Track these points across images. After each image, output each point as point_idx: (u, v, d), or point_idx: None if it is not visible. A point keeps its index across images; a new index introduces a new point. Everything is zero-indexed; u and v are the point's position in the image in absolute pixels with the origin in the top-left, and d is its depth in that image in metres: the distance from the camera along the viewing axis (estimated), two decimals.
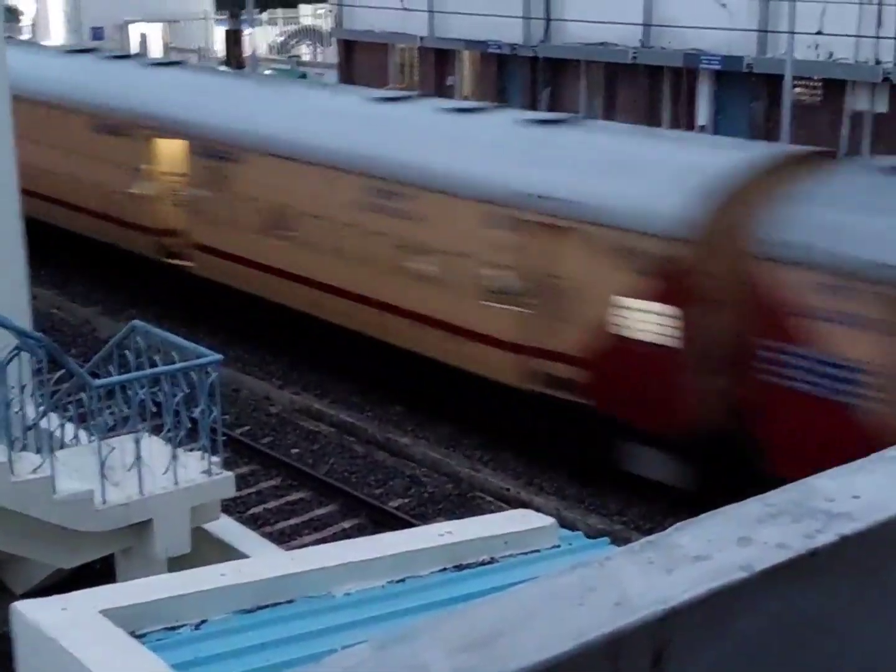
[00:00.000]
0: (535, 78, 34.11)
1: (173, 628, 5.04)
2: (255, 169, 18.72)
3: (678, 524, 1.38)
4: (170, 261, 20.78)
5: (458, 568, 6.13)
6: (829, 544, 1.32)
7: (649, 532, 14.39)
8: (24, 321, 9.74)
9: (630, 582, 1.22)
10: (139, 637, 4.85)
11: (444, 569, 6.09)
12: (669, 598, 1.19)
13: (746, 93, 29.29)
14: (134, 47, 46.77)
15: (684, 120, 30.52)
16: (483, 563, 6.22)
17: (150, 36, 48.49)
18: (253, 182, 18.78)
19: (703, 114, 30.42)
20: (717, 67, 29.37)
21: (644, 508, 14.73)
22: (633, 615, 1.16)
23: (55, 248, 23.12)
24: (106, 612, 4.80)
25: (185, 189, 20.23)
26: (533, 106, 32.23)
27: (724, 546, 1.30)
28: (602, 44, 31.51)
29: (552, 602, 1.17)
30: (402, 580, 5.91)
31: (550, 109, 30.41)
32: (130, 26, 47.83)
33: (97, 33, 46.13)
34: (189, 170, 20.09)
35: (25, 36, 49.81)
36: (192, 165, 20.02)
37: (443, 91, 35.31)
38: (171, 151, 20.51)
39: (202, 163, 19.69)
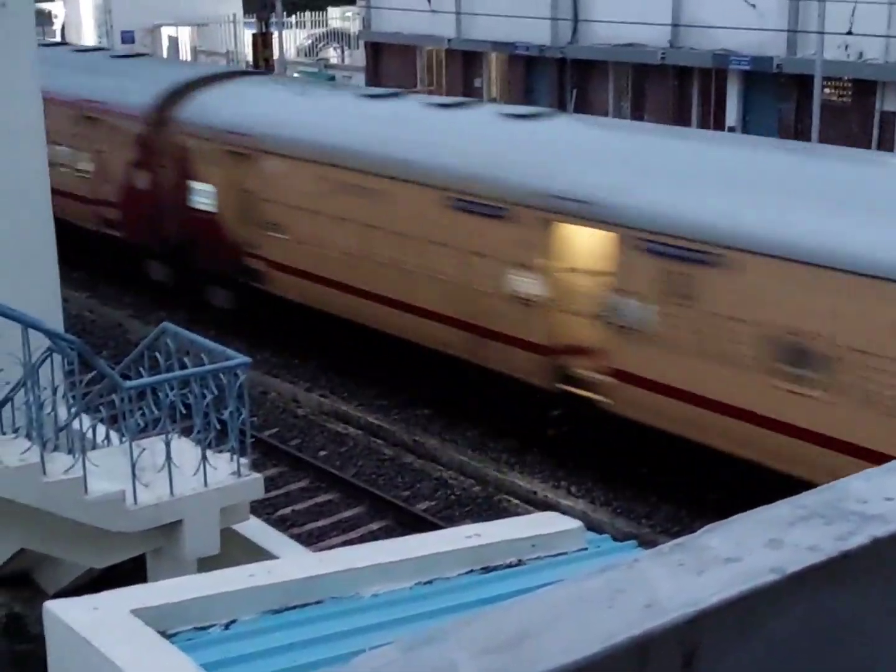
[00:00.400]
0: (562, 79, 34.06)
1: (203, 628, 5.06)
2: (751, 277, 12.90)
3: (708, 526, 1.37)
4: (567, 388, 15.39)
5: (485, 570, 6.13)
6: (862, 547, 1.31)
7: (677, 535, 14.34)
8: (56, 323, 9.81)
9: (659, 584, 1.21)
10: (169, 637, 4.88)
11: (471, 571, 6.09)
12: (699, 601, 1.19)
13: (776, 93, 29.14)
14: (164, 51, 47.07)
15: (713, 121, 30.40)
16: (510, 566, 6.21)
17: (179, 39, 48.78)
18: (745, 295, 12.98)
19: (731, 114, 30.29)
20: (747, 68, 29.24)
21: (672, 511, 14.67)
22: (662, 617, 1.16)
23: (86, 252, 23.27)
24: (136, 612, 4.83)
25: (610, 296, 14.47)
26: (560, 107, 32.19)
27: (754, 548, 1.29)
28: (630, 45, 31.43)
29: (580, 604, 1.17)
30: (430, 582, 5.92)
31: (578, 111, 30.35)
32: (161, 30, 48.14)
33: (127, 37, 46.45)
34: (619, 269, 14.30)
35: (56, 39, 50.18)
36: (625, 263, 14.17)
37: (470, 93, 35.32)
38: (587, 243, 14.90)
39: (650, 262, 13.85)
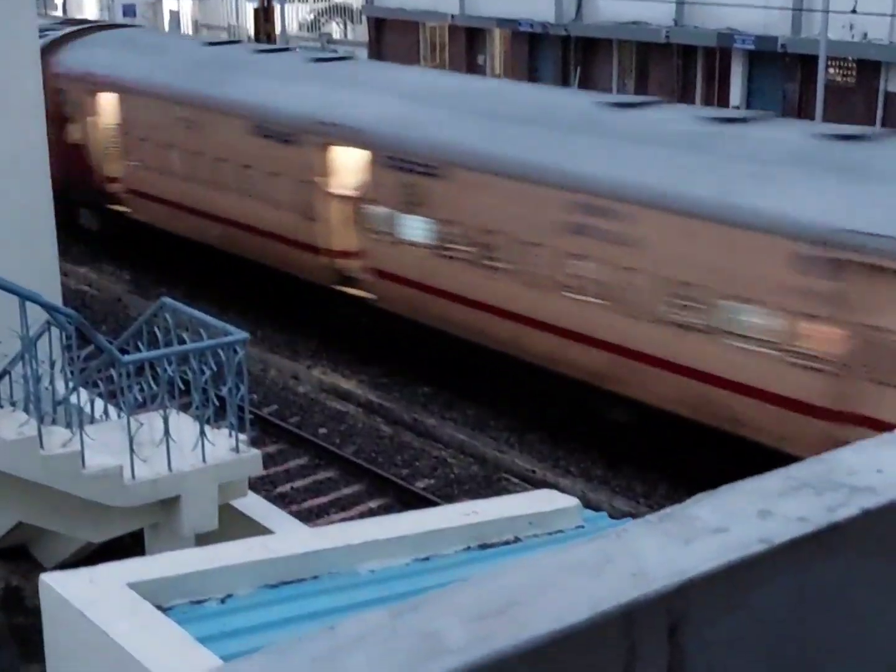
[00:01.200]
0: (566, 57, 33.92)
1: (199, 602, 5.07)
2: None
3: (697, 496, 1.37)
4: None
5: (483, 547, 6.13)
6: (852, 518, 1.30)
7: None
8: (55, 297, 9.79)
9: (647, 553, 1.20)
10: (165, 610, 4.89)
11: (469, 548, 6.09)
12: (687, 570, 1.18)
13: (780, 73, 29.03)
14: (165, 25, 46.87)
15: (717, 100, 30.28)
16: (507, 543, 6.22)
17: (180, 13, 48.55)
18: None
19: (735, 94, 30.17)
20: (751, 47, 29.10)
21: (670, 490, 14.69)
22: (649, 586, 1.15)
23: (87, 226, 23.27)
24: (133, 585, 4.83)
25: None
26: (564, 85, 32.06)
27: (743, 519, 1.28)
28: (634, 23, 31.28)
29: (568, 572, 1.16)
30: (427, 558, 5.92)
31: (582, 89, 30.22)
32: (162, 3, 47.91)
33: (128, 10, 46.25)
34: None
35: (58, 12, 49.96)
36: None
37: (473, 70, 35.18)
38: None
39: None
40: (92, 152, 23.00)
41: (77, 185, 22.62)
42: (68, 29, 25.04)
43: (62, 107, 22.62)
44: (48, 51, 21.96)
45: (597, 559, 1.18)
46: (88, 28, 25.58)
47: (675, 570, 1.18)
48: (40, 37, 22.44)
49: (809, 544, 1.27)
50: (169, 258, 22.20)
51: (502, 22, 34.97)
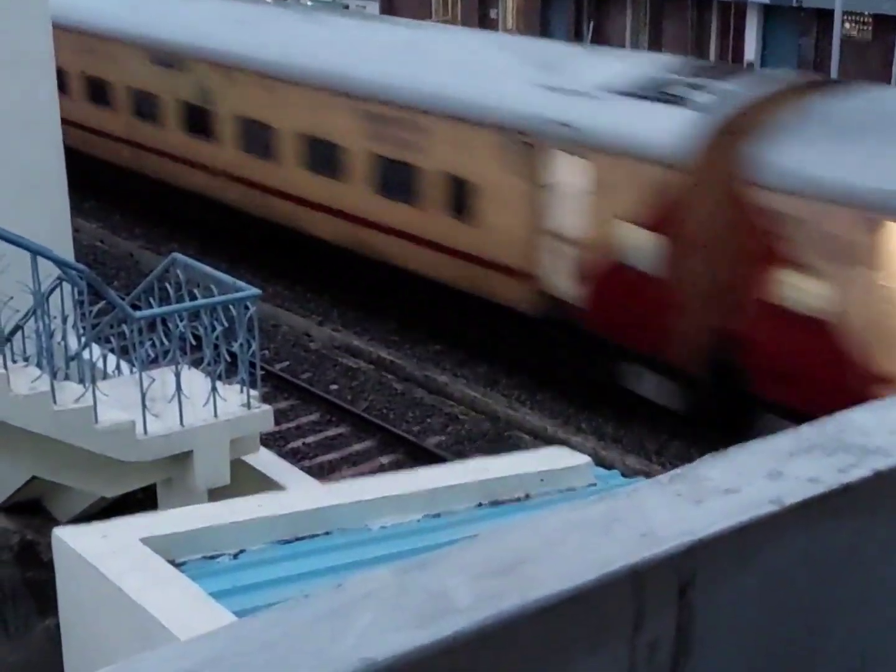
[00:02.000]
0: (579, 11, 33.61)
1: (212, 557, 5.10)
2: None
3: (707, 456, 1.36)
4: None
5: (494, 504, 6.15)
6: (863, 479, 1.30)
7: None
8: (67, 252, 9.80)
9: (657, 513, 1.20)
10: (178, 565, 4.92)
11: (480, 504, 6.11)
12: (696, 531, 1.18)
13: (795, 28, 28.74)
14: None
15: (731, 55, 30.02)
16: (518, 500, 6.23)
17: None
18: None
19: (750, 49, 29.90)
20: (766, 2, 28.81)
21: (682, 448, 14.72)
22: (658, 547, 1.15)
23: (99, 182, 23.20)
24: (146, 541, 4.86)
25: None
26: (577, 39, 31.80)
27: (753, 479, 1.28)
28: None
29: (577, 531, 1.15)
30: (438, 515, 5.94)
31: (595, 44, 29.99)
32: None
33: None
34: None
35: None
36: None
37: (485, 24, 34.89)
38: None
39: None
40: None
41: None
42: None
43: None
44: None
45: (606, 518, 1.18)
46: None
47: (685, 529, 1.17)
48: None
49: (820, 505, 1.27)
50: (180, 214, 22.17)
51: None
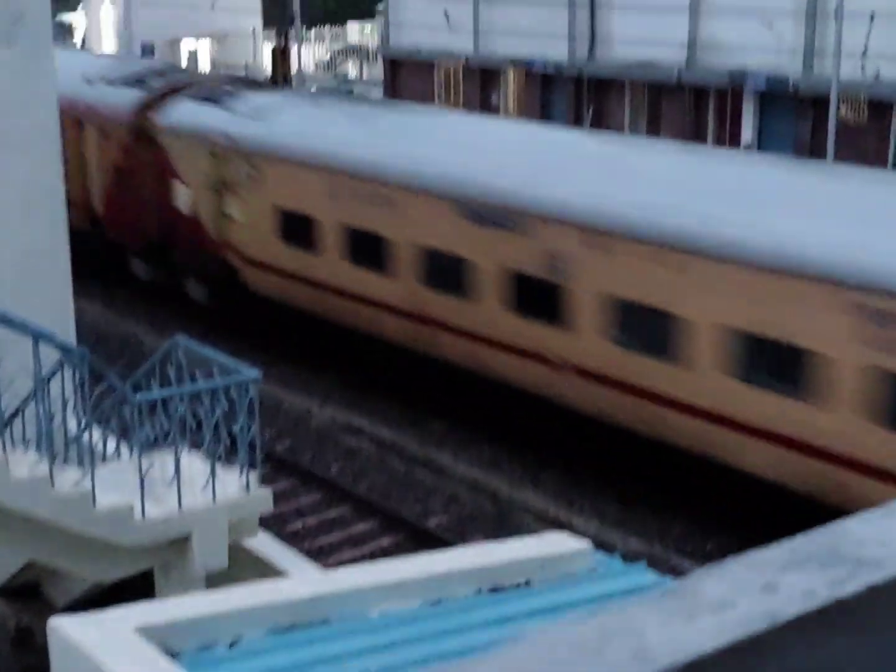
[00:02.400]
0: (579, 97, 34.07)
1: (208, 647, 5.05)
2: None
3: (701, 569, 1.35)
4: None
5: (494, 590, 6.10)
6: (857, 593, 1.29)
7: (689, 555, 14.28)
8: (69, 335, 9.83)
9: (650, 631, 1.19)
10: (174, 655, 4.87)
11: (480, 591, 6.06)
12: (689, 649, 1.17)
13: (792, 113, 29.09)
14: (183, 64, 47.28)
15: (729, 140, 30.35)
16: (518, 586, 6.18)
17: (198, 52, 48.99)
18: None
19: (747, 134, 30.24)
20: (763, 88, 29.20)
21: (684, 530, 14.61)
22: (652, 666, 1.14)
23: (101, 263, 23.35)
24: (141, 630, 4.82)
25: None
26: (577, 125, 32.19)
27: (747, 593, 1.27)
28: (646, 63, 31.45)
29: (571, 651, 1.15)
30: (438, 601, 5.89)
31: (595, 128, 30.36)
32: (180, 42, 48.37)
33: (147, 49, 46.68)
34: None
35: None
36: None
37: (487, 109, 35.35)
38: None
39: None
40: None
41: None
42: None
43: None
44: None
45: (599, 637, 1.17)
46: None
47: (679, 648, 1.16)
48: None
49: (815, 620, 1.26)
50: (182, 296, 22.28)
51: (516, 62, 35.19)
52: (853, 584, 1.29)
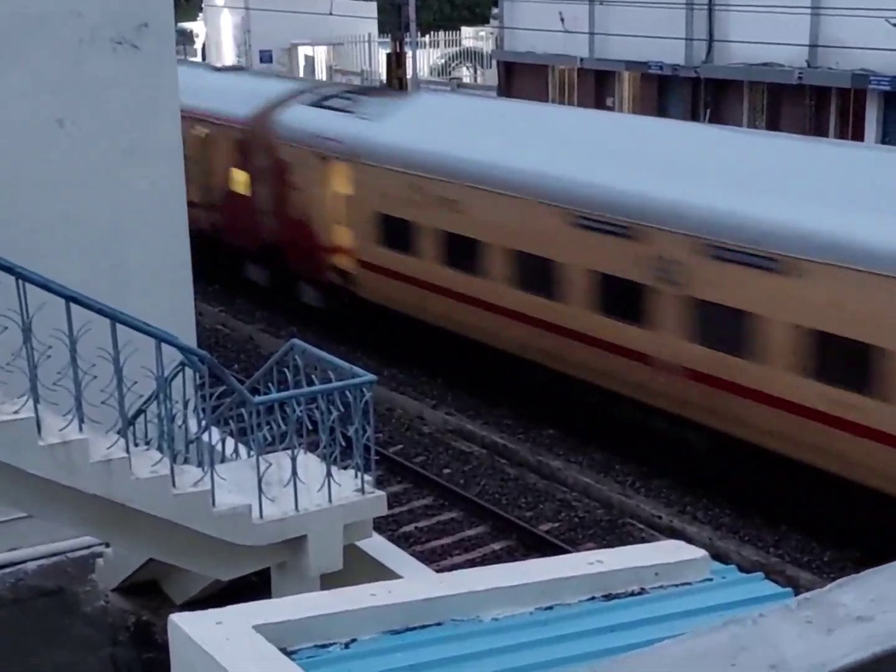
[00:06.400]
0: (696, 98, 33.63)
1: (324, 646, 5.09)
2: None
3: (840, 580, 1.31)
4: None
5: (608, 597, 6.03)
6: None
7: (806, 565, 13.99)
8: (189, 338, 10.03)
9: (786, 643, 1.15)
10: (290, 654, 4.92)
11: (593, 598, 6.00)
12: (829, 662, 1.12)
13: None
14: (300, 70, 48.00)
15: (851, 139, 29.65)
16: (633, 594, 6.10)
17: (315, 58, 49.65)
18: None
19: (870, 135, 29.52)
20: (887, 88, 28.45)
21: (801, 541, 14.30)
22: None
23: (223, 267, 23.80)
24: (259, 628, 4.88)
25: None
26: None
27: (889, 606, 1.22)
28: (766, 64, 30.88)
29: (702, 661, 1.12)
30: (551, 607, 5.85)
31: None
32: (297, 49, 49.09)
33: (265, 56, 47.49)
34: None
35: (197, 58, 51.62)
36: None
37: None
38: None
39: None
40: None
41: None
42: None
43: None
44: None
45: (732, 647, 1.13)
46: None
47: (818, 662, 1.12)
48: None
49: None
50: (298, 299, 22.58)
51: (631, 64, 34.89)
52: None
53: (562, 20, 36.45)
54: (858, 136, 29.65)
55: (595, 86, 36.99)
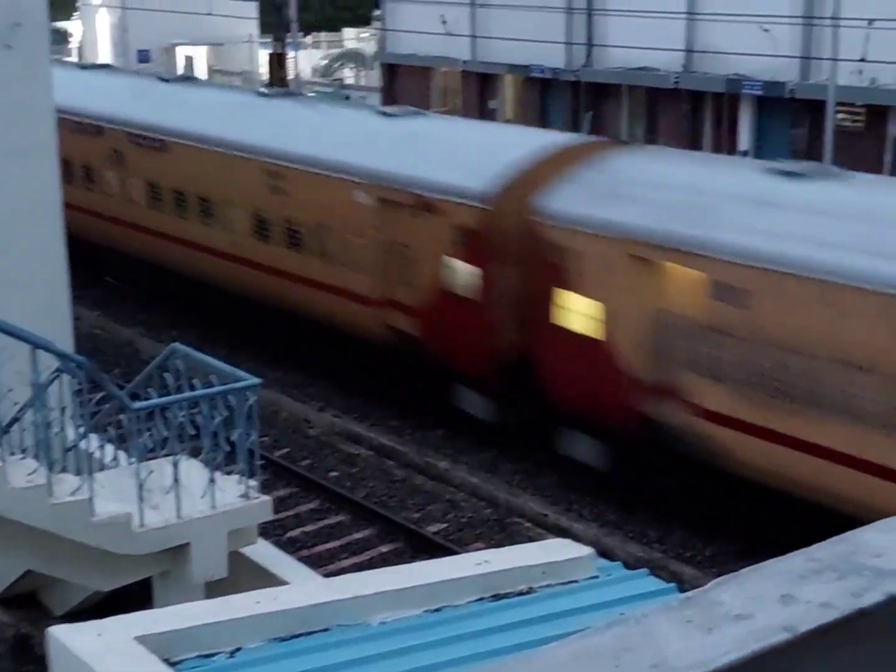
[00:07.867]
0: (577, 102, 34.09)
1: (208, 656, 5.01)
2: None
3: (719, 579, 1.33)
4: None
5: (496, 598, 6.07)
6: (878, 604, 1.26)
7: (689, 560, 14.24)
8: (66, 343, 9.80)
9: (668, 642, 1.16)
10: (174, 664, 4.84)
11: (481, 598, 6.03)
12: (709, 661, 1.14)
13: (789, 118, 29.11)
14: (179, 70, 47.30)
15: (726, 145, 30.38)
16: (520, 593, 6.15)
17: (195, 59, 49.01)
18: None
19: (744, 139, 30.26)
20: (760, 93, 29.22)
21: (684, 535, 14.57)
22: None
23: (98, 269, 23.31)
24: (141, 639, 4.79)
25: None
26: (574, 130, 32.20)
27: (766, 604, 1.24)
28: (643, 68, 31.45)
29: (588, 664, 1.12)
30: (439, 609, 5.86)
31: (592, 134, 30.34)
32: (177, 49, 48.39)
33: (143, 56, 46.71)
34: None
35: (72, 58, 50.49)
36: None
37: (484, 115, 35.36)
38: None
39: None
40: None
41: None
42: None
43: None
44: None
45: (615, 648, 1.14)
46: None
47: (698, 660, 1.13)
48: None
49: (835, 632, 1.23)
50: (180, 301, 22.24)
51: (514, 68, 35.20)
52: (874, 595, 1.26)
53: (443, 23, 36.60)
54: (733, 139, 30.38)
55: (478, 89, 37.24)
